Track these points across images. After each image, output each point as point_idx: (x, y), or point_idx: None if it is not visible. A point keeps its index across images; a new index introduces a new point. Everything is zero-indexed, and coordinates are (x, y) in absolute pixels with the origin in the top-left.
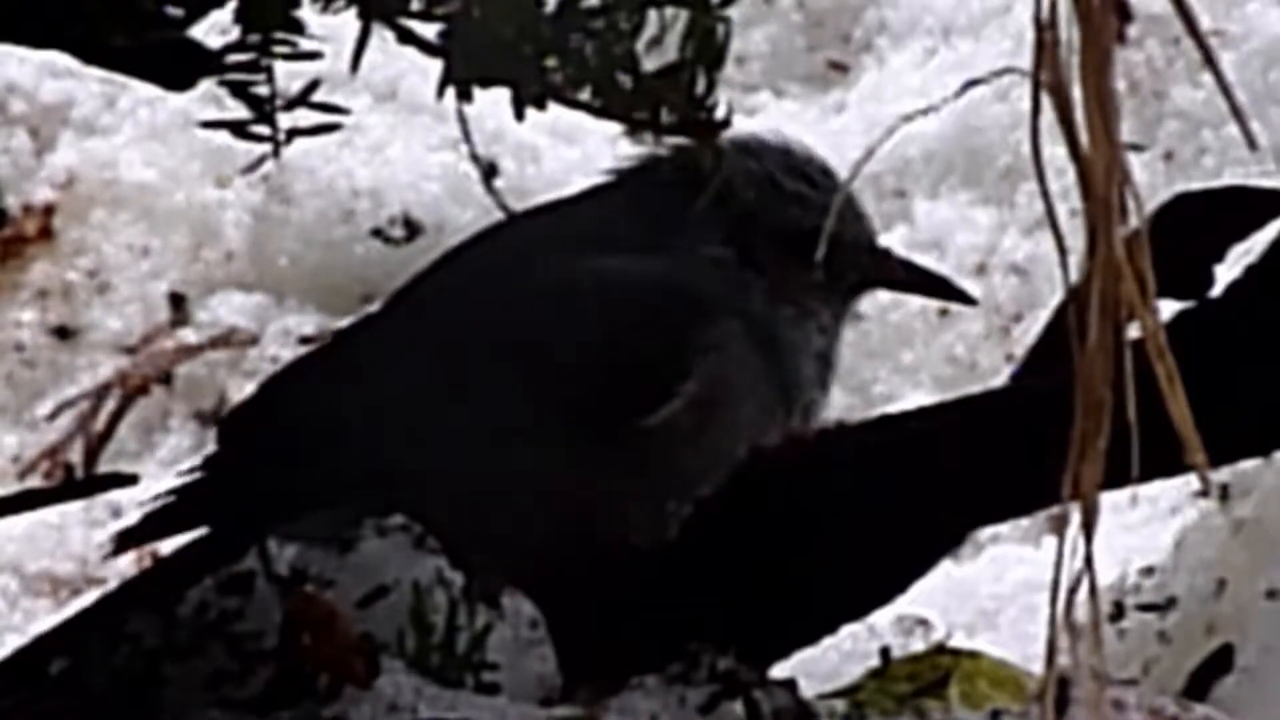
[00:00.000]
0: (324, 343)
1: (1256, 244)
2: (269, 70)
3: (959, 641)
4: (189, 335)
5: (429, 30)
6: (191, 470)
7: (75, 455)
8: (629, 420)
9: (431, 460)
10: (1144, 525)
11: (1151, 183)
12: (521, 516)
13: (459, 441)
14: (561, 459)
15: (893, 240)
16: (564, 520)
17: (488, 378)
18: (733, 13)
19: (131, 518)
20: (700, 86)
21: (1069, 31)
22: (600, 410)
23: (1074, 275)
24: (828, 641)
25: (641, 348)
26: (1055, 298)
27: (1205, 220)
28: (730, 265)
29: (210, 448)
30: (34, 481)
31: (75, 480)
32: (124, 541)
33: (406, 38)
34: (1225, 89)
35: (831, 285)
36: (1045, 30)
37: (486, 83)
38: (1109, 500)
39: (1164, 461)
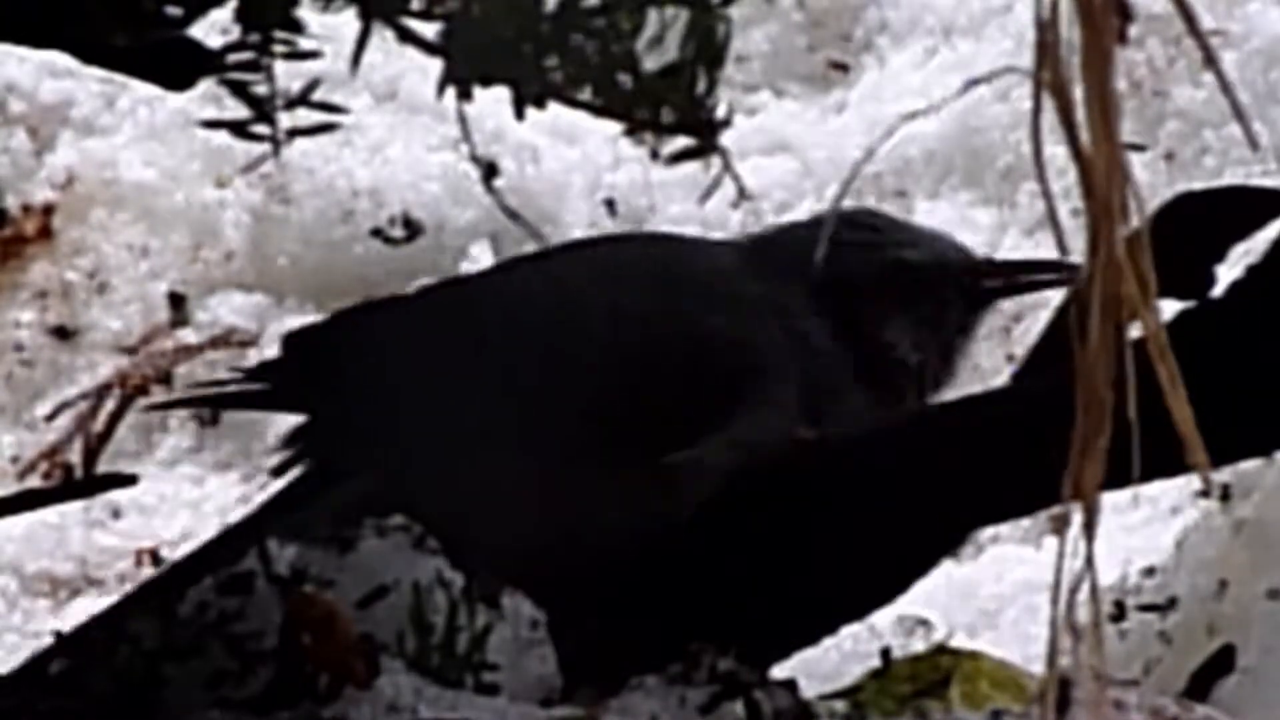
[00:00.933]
0: (405, 294)
1: (1258, 244)
2: (269, 70)
3: (960, 642)
4: (189, 335)
5: (429, 30)
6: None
7: (74, 455)
8: (657, 454)
9: (442, 457)
10: (1145, 525)
11: (1152, 183)
12: (524, 521)
13: (472, 442)
14: (575, 478)
15: None
16: (565, 524)
17: (514, 383)
18: (733, 13)
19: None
20: (700, 86)
21: (1070, 31)
22: (630, 441)
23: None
24: (828, 641)
25: (682, 390)
26: (1056, 298)
27: (1206, 220)
28: (817, 335)
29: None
30: (33, 482)
31: (74, 480)
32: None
33: (406, 37)
34: (1227, 89)
35: (939, 322)
36: (1046, 30)
37: (486, 82)
38: (1110, 500)
39: (1165, 461)
